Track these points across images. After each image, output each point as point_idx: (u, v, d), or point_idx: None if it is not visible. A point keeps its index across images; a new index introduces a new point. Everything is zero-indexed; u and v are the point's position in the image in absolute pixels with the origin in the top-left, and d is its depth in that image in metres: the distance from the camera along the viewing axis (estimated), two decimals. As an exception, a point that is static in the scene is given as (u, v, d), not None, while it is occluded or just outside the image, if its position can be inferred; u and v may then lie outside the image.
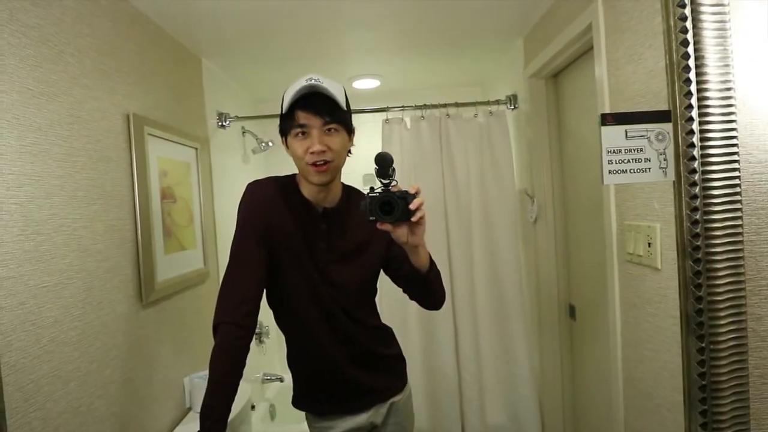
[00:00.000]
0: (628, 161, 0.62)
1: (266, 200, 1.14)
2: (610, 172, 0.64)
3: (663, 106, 1.09)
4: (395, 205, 0.96)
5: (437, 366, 2.26)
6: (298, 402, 1.28)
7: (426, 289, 1.17)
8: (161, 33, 1.76)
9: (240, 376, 1.06)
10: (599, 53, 1.45)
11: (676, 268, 1.17)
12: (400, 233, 1.00)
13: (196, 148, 1.93)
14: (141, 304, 1.47)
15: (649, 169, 0.60)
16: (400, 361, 1.33)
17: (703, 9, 0.50)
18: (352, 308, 1.20)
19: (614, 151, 0.62)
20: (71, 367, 1.15)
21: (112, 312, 1.33)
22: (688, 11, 0.49)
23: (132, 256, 1.44)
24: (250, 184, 1.17)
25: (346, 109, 1.10)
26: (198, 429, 0.99)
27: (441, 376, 2.27)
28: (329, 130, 1.07)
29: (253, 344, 2.79)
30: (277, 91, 3.33)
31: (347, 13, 1.83)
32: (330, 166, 1.07)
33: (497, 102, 2.34)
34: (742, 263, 0.56)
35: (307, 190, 1.15)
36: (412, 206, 0.97)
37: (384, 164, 0.99)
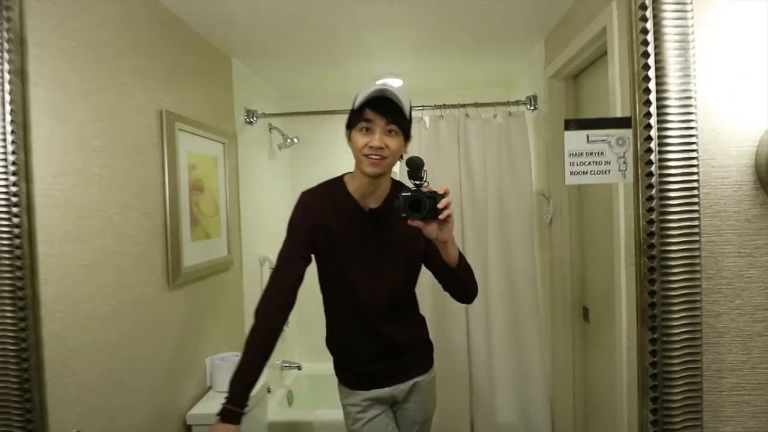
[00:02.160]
0: (590, 163, 0.66)
1: (311, 206, 1.31)
2: (571, 173, 0.68)
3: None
4: (423, 203, 1.06)
5: (448, 363, 2.31)
6: (335, 371, 1.44)
7: (457, 281, 1.28)
8: (195, 35, 1.88)
9: (269, 354, 1.22)
10: (612, 57, 1.46)
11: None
12: (430, 230, 1.11)
13: (224, 143, 2.04)
14: (168, 286, 1.59)
15: (609, 171, 0.64)
16: (428, 346, 1.48)
17: (665, 23, 0.53)
18: (395, 300, 1.34)
19: (576, 154, 0.67)
20: (103, 339, 1.27)
21: (142, 292, 1.45)
22: (649, 25, 0.52)
23: (161, 241, 1.56)
24: (301, 194, 1.34)
25: (408, 118, 1.24)
26: (224, 399, 1.14)
27: (451, 372, 2.31)
28: (390, 131, 1.20)
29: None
30: (303, 88, 3.40)
31: (372, 14, 1.89)
32: (383, 162, 1.20)
33: (517, 102, 2.36)
34: (698, 262, 0.59)
35: (355, 187, 1.29)
36: (439, 205, 1.07)
37: (415, 167, 1.11)
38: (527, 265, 2.28)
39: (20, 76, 0.67)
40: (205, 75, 1.97)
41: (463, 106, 2.31)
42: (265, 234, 2.57)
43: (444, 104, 2.31)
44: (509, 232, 2.29)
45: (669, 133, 0.58)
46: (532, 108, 2.34)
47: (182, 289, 1.69)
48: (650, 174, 0.58)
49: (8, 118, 0.66)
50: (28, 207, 0.68)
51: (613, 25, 1.45)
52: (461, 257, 1.24)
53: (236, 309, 2.16)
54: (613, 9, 1.44)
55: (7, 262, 0.67)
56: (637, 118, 0.57)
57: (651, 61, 0.56)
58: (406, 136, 1.26)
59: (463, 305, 2.31)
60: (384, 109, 1.19)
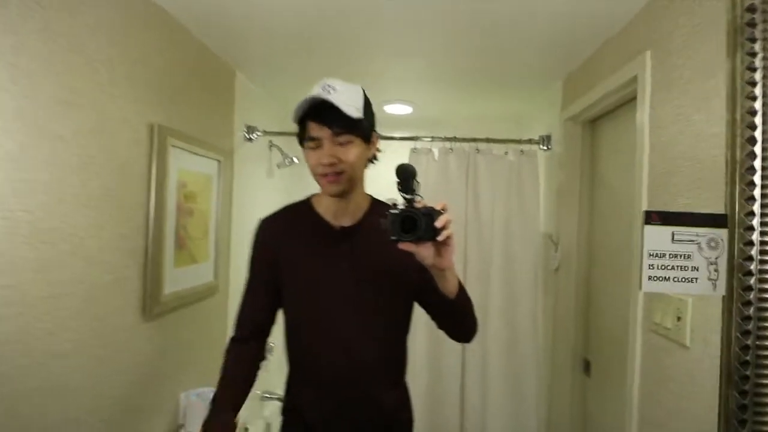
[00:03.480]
0: (673, 268, 0.54)
1: (271, 236, 1.15)
2: (650, 278, 0.56)
3: (708, 177, 1.01)
4: (418, 221, 0.85)
5: (439, 413, 2.17)
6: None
7: (454, 316, 1.06)
8: (198, 44, 1.76)
9: (244, 376, 1.15)
10: (642, 107, 1.37)
11: (707, 347, 1.07)
12: (426, 254, 0.89)
13: (219, 161, 1.92)
14: (144, 317, 1.44)
15: (697, 279, 0.52)
16: (407, 426, 1.19)
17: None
18: (377, 347, 1.09)
19: (657, 255, 0.54)
20: (63, 380, 1.12)
21: (112, 325, 1.30)
22: (758, 105, 0.42)
23: (140, 267, 1.42)
24: (259, 221, 1.19)
25: (362, 116, 1.01)
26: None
27: (443, 422, 2.17)
28: (341, 142, 1.00)
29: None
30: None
31: (386, 40, 1.80)
32: (342, 177, 1.02)
33: (530, 141, 2.26)
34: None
35: (323, 207, 1.12)
36: (438, 224, 0.86)
37: (406, 176, 0.88)
38: (529, 311, 2.16)
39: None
40: (206, 87, 1.85)
41: (474, 140, 2.22)
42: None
43: (455, 137, 2.21)
44: (513, 276, 2.17)
45: (776, 238, 0.47)
46: (546, 148, 2.25)
47: (160, 319, 1.54)
48: (749, 288, 0.46)
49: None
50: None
51: (645, 74, 1.36)
52: (461, 287, 1.01)
53: (219, 337, 2.01)
54: (647, 58, 1.35)
55: None
56: (737, 217, 0.46)
57: (758, 148, 0.45)
58: (367, 139, 1.05)
59: (459, 348, 2.18)
60: (327, 118, 0.98)
